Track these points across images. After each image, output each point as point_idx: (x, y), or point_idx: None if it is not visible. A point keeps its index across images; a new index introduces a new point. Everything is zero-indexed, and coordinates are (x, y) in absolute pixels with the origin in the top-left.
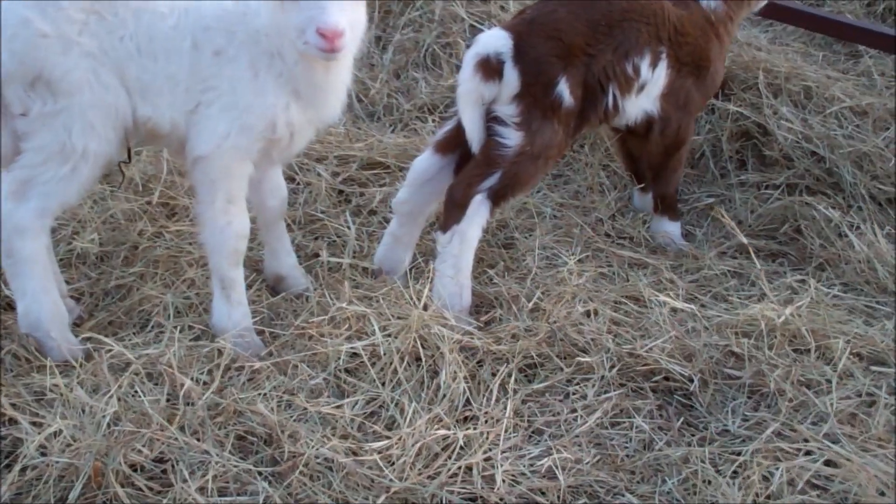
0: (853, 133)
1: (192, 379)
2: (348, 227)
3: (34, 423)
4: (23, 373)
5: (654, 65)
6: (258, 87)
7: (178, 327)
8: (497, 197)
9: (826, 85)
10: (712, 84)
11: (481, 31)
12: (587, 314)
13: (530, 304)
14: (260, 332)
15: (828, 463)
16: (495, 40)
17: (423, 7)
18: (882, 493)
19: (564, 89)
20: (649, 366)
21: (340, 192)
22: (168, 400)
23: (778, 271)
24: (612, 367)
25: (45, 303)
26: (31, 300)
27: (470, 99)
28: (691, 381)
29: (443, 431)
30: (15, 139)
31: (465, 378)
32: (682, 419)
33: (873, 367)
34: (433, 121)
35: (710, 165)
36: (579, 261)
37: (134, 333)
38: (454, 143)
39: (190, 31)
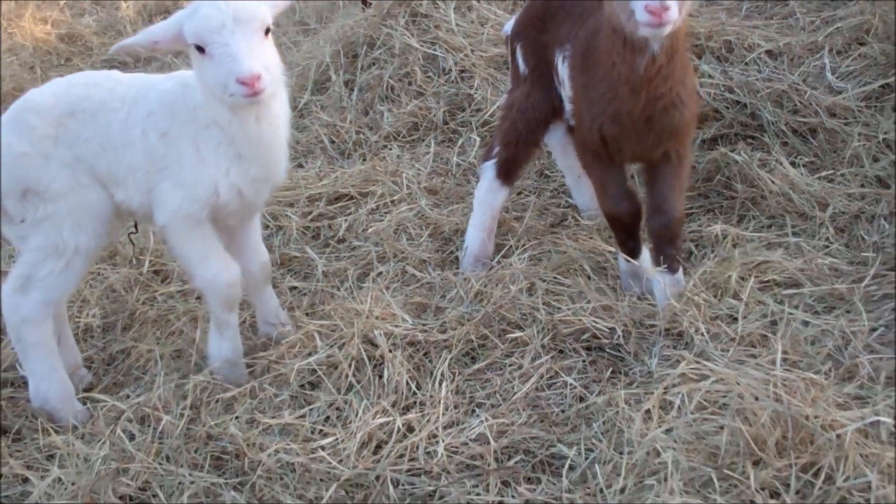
0: (771, 75)
1: (178, 415)
2: (316, 259)
3: (43, 478)
4: (38, 439)
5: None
6: (200, 160)
7: (167, 372)
8: None
9: (745, 35)
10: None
11: (435, 56)
12: (529, 293)
13: (472, 292)
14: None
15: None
16: None
17: (384, 44)
18: (756, 399)
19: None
20: (577, 327)
21: (307, 228)
22: (160, 438)
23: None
24: (546, 335)
25: (53, 381)
26: (40, 379)
27: None
28: (614, 332)
29: (382, 419)
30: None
31: (409, 370)
32: (610, 369)
33: (784, 291)
34: (398, 146)
35: None
36: (523, 248)
37: (132, 389)
38: None
39: (138, 121)
